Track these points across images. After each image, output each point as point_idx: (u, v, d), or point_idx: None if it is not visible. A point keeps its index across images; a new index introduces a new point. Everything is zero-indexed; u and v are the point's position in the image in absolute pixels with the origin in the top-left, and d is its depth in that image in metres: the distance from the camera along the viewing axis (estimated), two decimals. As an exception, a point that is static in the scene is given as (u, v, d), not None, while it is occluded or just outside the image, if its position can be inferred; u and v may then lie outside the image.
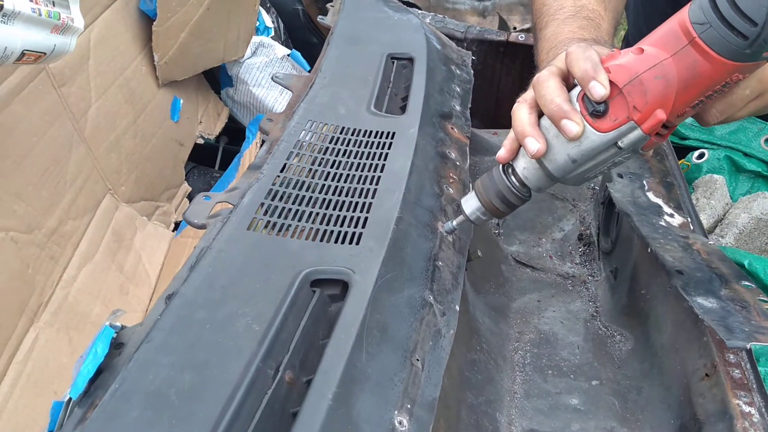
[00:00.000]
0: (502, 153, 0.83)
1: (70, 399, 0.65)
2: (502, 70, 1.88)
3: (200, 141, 1.64)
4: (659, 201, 1.11)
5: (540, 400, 0.97)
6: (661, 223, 1.04)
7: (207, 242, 0.83)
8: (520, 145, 0.81)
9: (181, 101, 1.57)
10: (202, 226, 0.88)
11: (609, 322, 1.12)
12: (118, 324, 0.73)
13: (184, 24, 1.49)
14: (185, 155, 1.59)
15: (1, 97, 1.08)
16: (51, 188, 1.18)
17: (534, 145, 0.77)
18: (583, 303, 1.18)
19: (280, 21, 1.87)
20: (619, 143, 0.73)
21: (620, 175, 1.17)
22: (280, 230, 0.86)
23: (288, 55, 1.72)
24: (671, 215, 1.08)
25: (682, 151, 1.39)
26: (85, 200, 1.26)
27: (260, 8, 1.71)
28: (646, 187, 1.14)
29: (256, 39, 1.71)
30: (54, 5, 0.96)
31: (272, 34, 1.77)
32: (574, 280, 1.25)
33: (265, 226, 0.86)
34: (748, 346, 0.71)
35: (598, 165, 0.77)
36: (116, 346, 0.72)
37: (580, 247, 1.34)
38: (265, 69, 1.69)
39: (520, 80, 1.89)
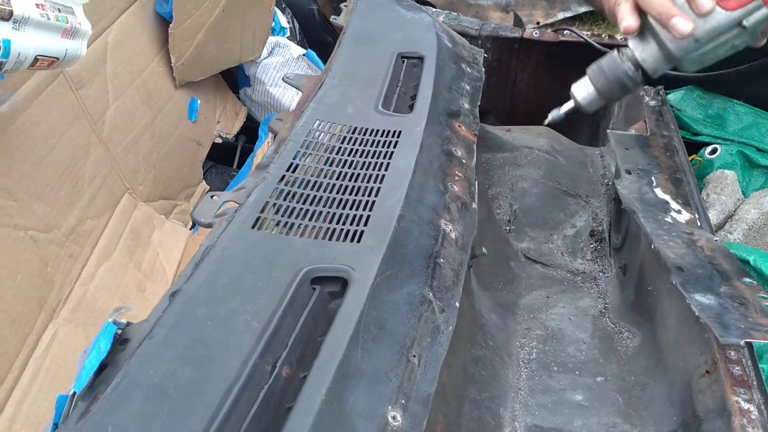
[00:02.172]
0: (631, 22, 0.81)
1: (75, 393, 0.67)
2: (518, 67, 1.88)
3: (218, 140, 1.67)
4: (667, 197, 1.11)
5: (544, 396, 0.97)
6: (667, 219, 1.04)
7: (212, 240, 0.85)
8: (641, 26, 0.80)
9: (199, 101, 1.60)
10: (209, 225, 0.91)
11: (617, 319, 1.12)
12: (124, 321, 0.75)
13: (199, 26, 1.51)
14: (203, 155, 1.62)
15: (20, 101, 1.12)
16: (69, 188, 1.21)
17: (684, 25, 0.76)
18: (592, 299, 1.18)
19: (295, 21, 1.89)
20: (744, 22, 0.75)
21: (628, 171, 1.17)
22: (284, 228, 0.88)
23: (303, 54, 1.74)
24: (678, 211, 1.07)
25: (695, 147, 1.38)
26: (103, 200, 1.29)
27: (276, 9, 1.73)
28: (654, 183, 1.13)
29: (272, 39, 1.73)
30: (60, 11, 0.98)
31: (288, 34, 1.79)
32: (584, 276, 1.25)
33: (269, 225, 0.88)
34: (742, 343, 0.71)
35: (718, 47, 0.78)
36: (121, 342, 0.74)
37: (591, 244, 1.34)
38: (282, 69, 1.72)
39: (536, 77, 1.89)
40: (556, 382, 0.99)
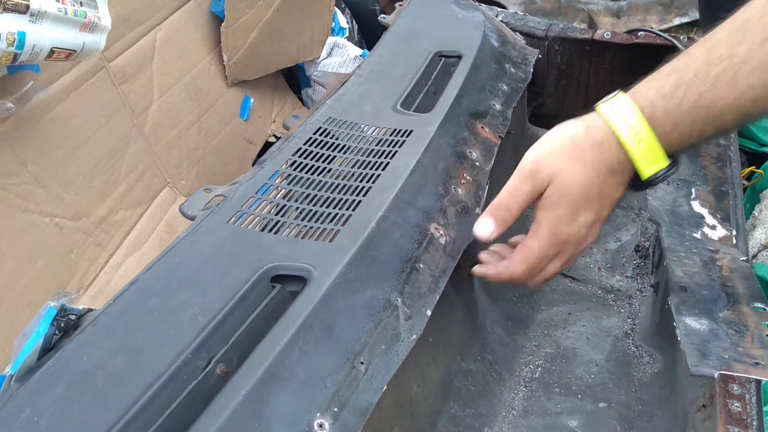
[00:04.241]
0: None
1: (11, 374, 0.68)
2: (590, 70, 1.78)
3: (272, 140, 1.68)
4: (704, 211, 1.00)
5: (537, 418, 0.90)
6: (694, 234, 0.94)
7: (186, 233, 0.85)
8: None
9: (253, 100, 1.62)
10: (193, 218, 0.90)
11: (641, 342, 1.02)
12: (82, 307, 0.76)
13: (253, 25, 1.53)
14: (254, 153, 1.64)
15: (57, 92, 1.17)
16: (104, 179, 1.25)
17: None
18: (620, 319, 1.09)
19: (354, 21, 1.88)
20: None
21: (667, 182, 1.06)
22: (260, 224, 0.86)
23: (360, 55, 1.73)
24: (713, 227, 0.97)
25: (761, 159, 1.25)
26: (140, 192, 1.33)
27: (336, 9, 1.72)
28: (693, 195, 1.03)
29: (331, 40, 1.73)
30: (81, 5, 1.02)
31: (347, 34, 1.79)
32: (617, 294, 1.15)
33: (247, 220, 0.86)
34: (716, 375, 0.62)
35: None
36: (75, 327, 0.75)
37: (635, 259, 1.23)
38: (339, 69, 1.71)
39: (610, 81, 1.77)
40: (554, 404, 0.92)
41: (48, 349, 0.71)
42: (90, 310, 0.77)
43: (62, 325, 0.73)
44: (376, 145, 1.01)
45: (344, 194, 0.91)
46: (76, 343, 0.70)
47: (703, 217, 0.99)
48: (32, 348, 0.69)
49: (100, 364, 0.67)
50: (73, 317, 0.74)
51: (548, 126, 1.75)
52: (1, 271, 1.04)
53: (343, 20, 1.79)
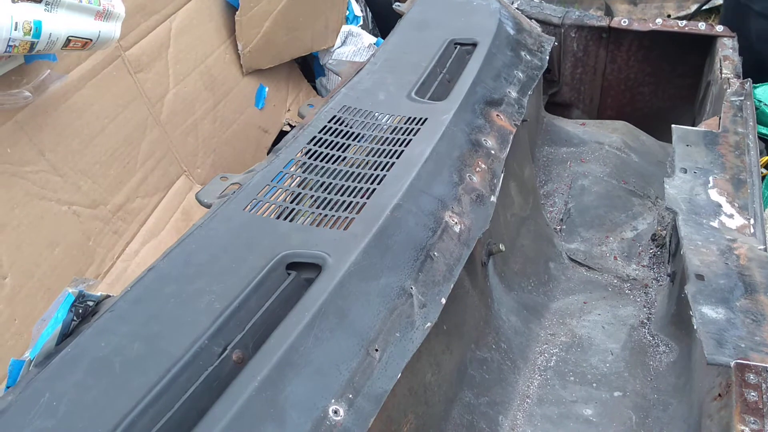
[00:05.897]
0: None
1: (30, 359, 0.69)
2: (607, 58, 1.76)
3: (287, 128, 1.68)
4: (721, 199, 0.99)
5: (552, 407, 0.90)
6: (711, 223, 0.93)
7: (202, 220, 0.85)
8: None
9: (267, 89, 1.62)
10: (209, 206, 0.91)
11: (657, 331, 1.02)
12: (100, 293, 0.76)
13: (267, 13, 1.53)
14: (269, 141, 1.64)
15: (73, 81, 1.17)
16: (120, 167, 1.26)
17: None
18: (636, 308, 1.08)
19: (368, 10, 1.87)
20: None
21: (684, 170, 1.06)
22: (275, 211, 0.86)
23: (374, 43, 1.72)
24: (730, 216, 0.96)
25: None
26: (156, 180, 1.34)
27: (350, -3, 1.72)
28: (711, 184, 1.02)
29: (345, 28, 1.72)
30: (96, -7, 1.02)
31: (361, 23, 1.78)
32: (634, 283, 1.15)
33: (263, 208, 0.87)
34: (732, 364, 0.62)
35: None
36: (93, 313, 0.75)
37: (651, 248, 1.23)
38: (354, 58, 1.71)
39: (627, 68, 1.76)
40: (569, 393, 0.92)
41: (66, 334, 0.72)
42: (108, 296, 0.77)
43: (80, 311, 0.74)
44: (391, 133, 1.01)
45: (359, 182, 0.91)
46: (94, 329, 0.70)
47: (720, 206, 0.98)
48: (51, 334, 0.69)
49: (117, 350, 0.68)
50: (91, 303, 0.75)
51: (564, 114, 1.75)
52: (19, 258, 1.05)
53: (357, 9, 1.78)
